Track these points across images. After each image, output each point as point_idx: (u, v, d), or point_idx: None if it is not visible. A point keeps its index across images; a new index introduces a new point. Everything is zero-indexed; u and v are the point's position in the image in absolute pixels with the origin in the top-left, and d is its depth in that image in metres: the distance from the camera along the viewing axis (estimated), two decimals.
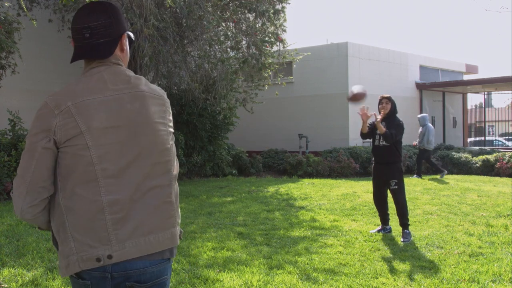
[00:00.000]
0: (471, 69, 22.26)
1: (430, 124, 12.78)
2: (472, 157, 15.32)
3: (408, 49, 56.50)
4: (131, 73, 1.85)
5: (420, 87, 18.67)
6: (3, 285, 4.12)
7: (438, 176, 12.89)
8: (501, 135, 31.40)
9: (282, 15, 12.71)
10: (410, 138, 14.02)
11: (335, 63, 16.16)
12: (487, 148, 17.10)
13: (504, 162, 14.15)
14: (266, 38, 11.98)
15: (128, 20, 10.01)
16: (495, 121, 30.79)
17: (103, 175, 1.68)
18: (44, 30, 11.58)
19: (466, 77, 21.75)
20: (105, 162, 1.69)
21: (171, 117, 1.92)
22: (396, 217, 6.24)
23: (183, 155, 12.03)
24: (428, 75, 19.54)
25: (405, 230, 6.01)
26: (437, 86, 18.94)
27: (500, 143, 25.43)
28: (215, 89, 11.49)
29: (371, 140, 6.38)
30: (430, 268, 4.79)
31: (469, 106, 24.07)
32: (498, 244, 5.71)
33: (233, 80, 11.63)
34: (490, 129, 33.73)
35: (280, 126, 16.97)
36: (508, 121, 31.17)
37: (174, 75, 11.74)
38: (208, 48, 11.50)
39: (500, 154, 14.83)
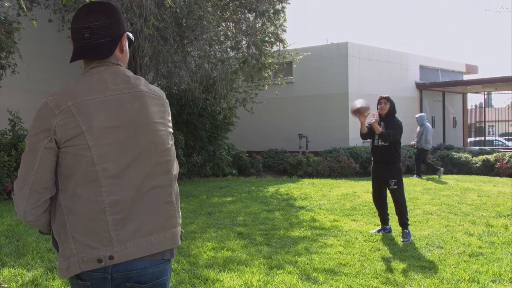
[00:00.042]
0: (471, 69, 22.26)
1: (428, 124, 12.78)
2: (472, 157, 15.33)
3: (408, 49, 56.51)
4: (131, 74, 1.85)
5: (420, 87, 18.67)
6: (3, 285, 4.12)
7: (436, 176, 12.91)
8: (501, 135, 31.40)
9: (282, 15, 12.71)
10: (410, 138, 14.02)
11: (335, 63, 16.16)
12: (487, 148, 17.10)
13: (504, 162, 14.15)
14: (266, 38, 11.98)
15: (128, 20, 10.01)
16: (495, 121, 30.79)
17: (104, 175, 1.68)
18: (44, 30, 11.58)
19: (466, 77, 21.75)
20: (106, 162, 1.68)
21: (170, 117, 1.92)
22: (396, 217, 6.24)
23: (183, 155, 12.03)
24: (428, 75, 19.54)
25: (405, 230, 6.02)
26: (437, 86, 18.94)
27: (500, 143, 25.43)
28: (215, 89, 11.49)
29: (371, 140, 6.38)
30: (430, 268, 4.80)
31: (469, 106, 24.08)
32: (498, 244, 5.71)
33: (233, 80, 11.63)
34: (490, 129, 33.73)
35: (280, 126, 16.97)
36: (508, 121, 31.17)
37: (174, 75, 11.74)
38: (208, 48, 11.50)
39: (500, 154, 14.84)
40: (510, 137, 28.05)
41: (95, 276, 1.67)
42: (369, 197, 8.56)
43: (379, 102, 6.29)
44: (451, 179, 12.46)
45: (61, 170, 1.70)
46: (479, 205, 8.29)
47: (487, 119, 24.46)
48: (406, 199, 6.33)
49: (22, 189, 1.68)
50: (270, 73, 13.26)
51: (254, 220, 7.10)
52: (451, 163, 15.37)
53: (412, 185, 10.93)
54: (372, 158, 6.43)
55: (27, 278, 4.28)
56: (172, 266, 4.47)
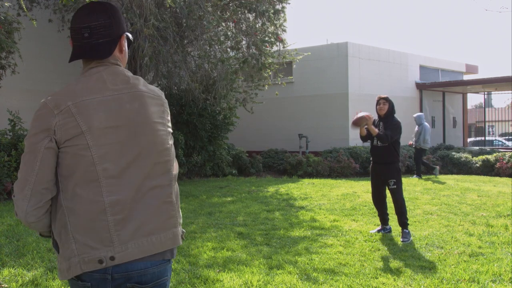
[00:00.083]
0: (471, 69, 22.26)
1: (426, 123, 12.77)
2: (472, 157, 15.33)
3: (408, 49, 56.50)
4: (130, 74, 1.85)
5: (420, 87, 18.67)
6: (3, 285, 4.12)
7: (433, 176, 12.92)
8: (501, 135, 31.40)
9: (282, 15, 12.71)
10: (410, 138, 14.03)
11: (335, 63, 16.15)
12: (487, 148, 17.10)
13: (504, 162, 14.15)
14: (266, 38, 11.98)
15: (128, 20, 10.01)
16: (495, 121, 30.79)
17: (104, 175, 1.67)
18: (44, 30, 11.58)
19: (466, 77, 21.75)
20: (106, 162, 1.68)
21: (169, 117, 1.91)
22: (396, 217, 6.24)
23: (183, 155, 12.03)
24: (428, 75, 19.54)
25: (405, 230, 6.02)
26: (437, 86, 18.94)
27: (500, 143, 25.43)
28: (215, 89, 11.49)
29: (370, 140, 6.38)
30: (430, 268, 4.79)
31: (469, 106, 24.08)
32: (498, 244, 5.71)
33: (233, 80, 11.63)
34: (490, 129, 33.73)
35: (280, 126, 16.97)
36: (508, 121, 31.17)
37: (174, 75, 11.74)
38: (208, 48, 11.50)
39: (500, 154, 14.84)
40: (510, 137, 28.05)
41: (96, 276, 1.66)
42: (369, 197, 8.55)
43: (377, 103, 6.29)
44: (451, 179, 12.45)
45: (61, 171, 1.69)
46: (479, 205, 8.29)
47: (487, 119, 24.46)
48: (406, 199, 6.34)
49: (23, 190, 1.66)
50: (270, 73, 13.26)
51: (254, 220, 7.10)
52: (451, 163, 15.37)
53: (412, 185, 10.93)
54: (371, 158, 6.43)
55: (27, 278, 4.28)
56: (172, 266, 4.47)
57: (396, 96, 15.82)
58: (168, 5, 9.57)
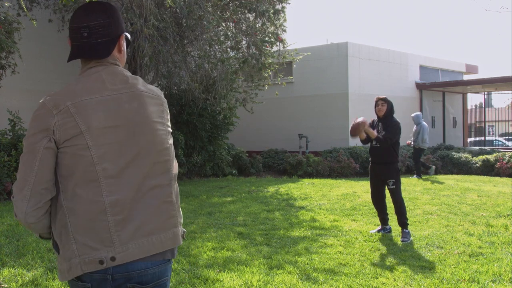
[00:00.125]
0: (471, 69, 22.26)
1: (424, 123, 12.76)
2: (472, 157, 15.32)
3: (408, 49, 56.50)
4: (129, 73, 1.84)
5: (420, 87, 18.67)
6: (3, 285, 4.12)
7: (436, 176, 12.91)
8: (501, 135, 31.40)
9: (282, 15, 12.72)
10: (409, 138, 14.02)
11: (335, 63, 16.16)
12: (487, 148, 17.10)
13: (504, 162, 14.15)
14: (266, 38, 11.98)
15: (128, 20, 10.01)
16: (495, 121, 30.79)
17: (104, 175, 1.66)
18: (44, 30, 11.58)
19: (466, 77, 21.75)
20: (105, 162, 1.67)
21: (168, 117, 1.91)
22: (396, 217, 6.24)
23: (183, 155, 12.03)
24: (428, 75, 19.54)
25: (405, 230, 6.02)
26: (437, 86, 18.94)
27: (500, 143, 25.43)
28: (215, 89, 11.49)
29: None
30: (430, 268, 4.79)
31: (469, 106, 24.08)
32: (498, 244, 5.71)
33: (233, 80, 11.63)
34: (490, 129, 33.73)
35: (280, 126, 16.97)
36: (508, 121, 31.17)
37: (174, 75, 11.74)
38: (208, 48, 11.50)
39: (500, 154, 14.83)
40: (510, 137, 28.04)
41: (96, 277, 1.66)
42: (369, 197, 8.54)
43: (376, 104, 6.28)
44: (451, 179, 12.45)
45: (60, 171, 1.68)
46: (479, 205, 8.29)
47: (487, 119, 24.46)
48: (406, 199, 6.34)
49: (22, 191, 1.66)
50: (270, 73, 13.26)
51: (254, 220, 7.10)
52: (451, 163, 15.37)
53: (412, 185, 10.93)
54: (370, 159, 6.43)
55: (27, 278, 4.28)
56: (172, 266, 4.46)
57: (396, 96, 15.84)
58: (168, 5, 9.57)
